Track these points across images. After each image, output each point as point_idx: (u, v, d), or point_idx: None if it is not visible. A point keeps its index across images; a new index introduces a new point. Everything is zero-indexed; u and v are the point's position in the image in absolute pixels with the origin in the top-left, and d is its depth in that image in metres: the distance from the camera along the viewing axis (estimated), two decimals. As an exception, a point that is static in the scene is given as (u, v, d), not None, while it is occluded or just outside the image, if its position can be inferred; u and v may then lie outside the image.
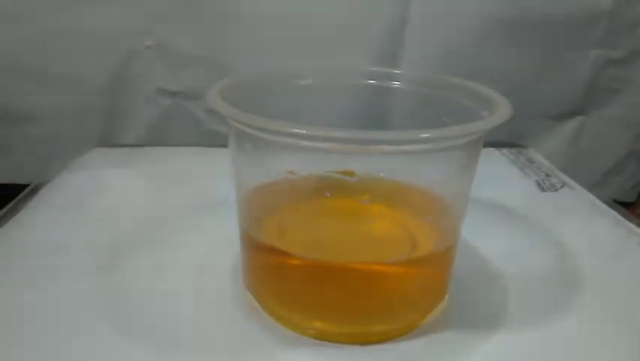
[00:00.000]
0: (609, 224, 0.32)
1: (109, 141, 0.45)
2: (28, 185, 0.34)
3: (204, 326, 0.22)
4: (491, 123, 0.19)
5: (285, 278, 0.22)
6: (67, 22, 0.41)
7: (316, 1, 0.42)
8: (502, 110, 0.20)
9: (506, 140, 0.45)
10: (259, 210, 0.24)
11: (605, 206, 0.34)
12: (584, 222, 0.32)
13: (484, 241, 0.28)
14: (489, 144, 0.41)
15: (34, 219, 0.30)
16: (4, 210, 0.31)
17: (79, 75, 0.43)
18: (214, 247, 0.27)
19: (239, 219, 0.23)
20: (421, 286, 0.23)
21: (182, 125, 0.46)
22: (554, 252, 0.28)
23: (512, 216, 0.32)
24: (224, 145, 0.22)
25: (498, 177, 0.38)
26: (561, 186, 0.37)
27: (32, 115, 0.44)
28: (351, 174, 0.21)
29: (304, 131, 0.17)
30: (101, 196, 0.34)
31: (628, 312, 0.24)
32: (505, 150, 0.43)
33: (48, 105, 0.43)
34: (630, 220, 0.32)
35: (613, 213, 0.33)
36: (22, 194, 0.33)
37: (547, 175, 0.39)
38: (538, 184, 0.37)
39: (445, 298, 0.24)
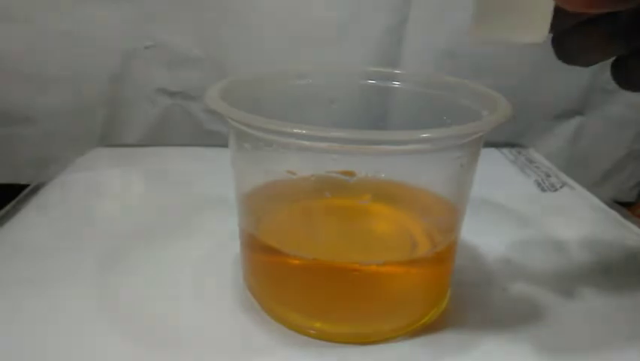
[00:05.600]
0: (609, 224, 0.32)
1: (109, 141, 0.45)
2: (28, 185, 0.34)
3: (204, 326, 0.22)
4: (491, 123, 0.19)
5: (285, 278, 0.22)
6: (67, 23, 0.41)
7: (316, 1, 0.42)
8: (502, 110, 0.20)
9: (506, 140, 0.45)
10: (259, 210, 0.24)
11: (605, 206, 0.34)
12: (584, 222, 0.32)
13: (484, 240, 0.28)
14: (489, 143, 0.41)
15: (34, 219, 0.30)
16: (5, 210, 0.31)
17: (79, 76, 0.43)
18: (214, 247, 0.27)
19: (239, 219, 0.23)
20: (421, 286, 0.23)
21: (182, 126, 0.46)
22: (554, 252, 0.28)
23: (512, 216, 0.32)
24: (224, 145, 0.22)
25: (498, 176, 0.38)
26: (561, 186, 0.37)
27: (32, 115, 0.44)
28: (351, 174, 0.21)
29: (304, 132, 0.17)
30: (101, 196, 0.34)
31: (628, 312, 0.24)
32: (505, 150, 0.43)
33: (48, 106, 0.44)
34: (630, 220, 0.32)
35: (613, 213, 0.33)
36: (22, 194, 0.33)
37: (547, 175, 0.39)
38: (538, 184, 0.37)
39: (445, 298, 0.24)
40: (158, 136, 0.46)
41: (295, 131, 0.17)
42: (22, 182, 0.35)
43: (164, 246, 0.28)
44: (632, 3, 0.14)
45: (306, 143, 0.18)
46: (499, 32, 0.16)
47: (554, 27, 0.16)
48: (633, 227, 0.31)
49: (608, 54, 0.19)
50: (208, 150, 0.40)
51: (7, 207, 0.31)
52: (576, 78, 0.45)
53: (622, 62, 0.19)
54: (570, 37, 0.18)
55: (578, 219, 0.32)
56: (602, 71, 0.45)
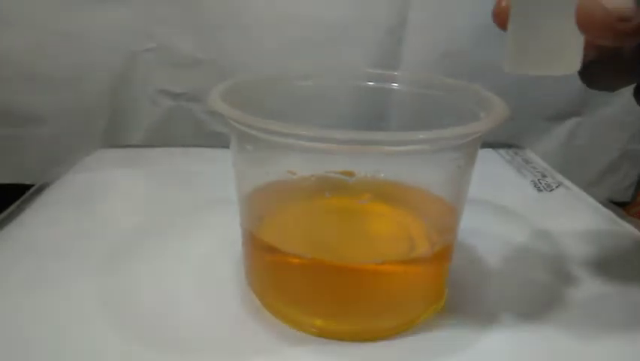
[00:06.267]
0: (605, 224, 0.32)
1: (111, 142, 0.45)
2: (31, 186, 0.34)
3: (207, 325, 0.22)
4: (489, 124, 0.19)
5: (286, 277, 0.23)
6: (69, 25, 0.41)
7: (316, 2, 0.42)
8: (499, 112, 0.20)
9: (503, 140, 0.45)
10: (260, 209, 0.24)
11: (600, 206, 0.34)
12: (580, 222, 0.32)
13: (481, 240, 0.29)
14: (486, 144, 0.41)
15: (38, 219, 0.31)
16: (8, 210, 0.31)
17: (81, 77, 0.43)
18: (216, 246, 0.28)
19: (240, 219, 0.23)
20: (419, 285, 0.23)
21: (184, 127, 0.46)
22: (550, 252, 0.29)
23: (509, 216, 0.32)
24: (226, 146, 0.22)
25: (495, 177, 0.38)
26: (557, 186, 0.37)
27: (35, 116, 0.44)
28: (350, 174, 0.21)
29: (304, 132, 0.17)
30: (104, 197, 0.34)
31: (624, 311, 0.24)
32: (501, 151, 0.43)
33: (51, 107, 0.44)
34: (625, 220, 0.32)
35: (608, 213, 0.33)
36: (26, 195, 0.33)
37: (544, 175, 0.39)
38: (535, 184, 0.37)
39: (443, 296, 0.24)
40: (161, 137, 0.46)
41: (296, 132, 0.17)
42: (26, 182, 0.35)
43: (166, 246, 0.28)
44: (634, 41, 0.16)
45: (307, 143, 0.18)
46: (535, 67, 0.17)
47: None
48: (628, 226, 0.31)
49: (627, 82, 0.20)
50: (210, 151, 0.41)
51: (12, 208, 0.31)
52: (572, 80, 0.45)
53: None
54: (592, 68, 0.19)
55: (574, 219, 0.32)
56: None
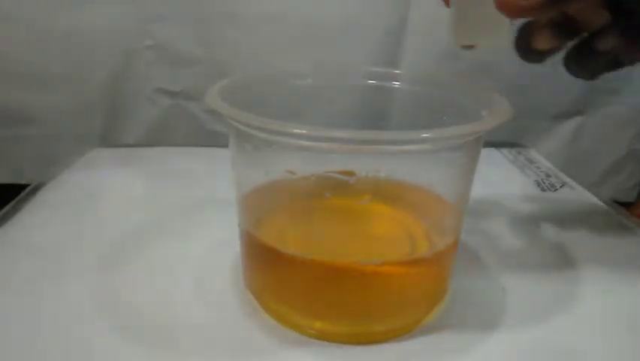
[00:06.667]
0: (608, 224, 0.32)
1: (109, 141, 0.45)
2: (28, 185, 0.34)
3: (204, 326, 0.22)
4: (491, 123, 0.19)
5: (284, 278, 0.22)
6: (67, 23, 0.41)
7: (316, 2, 0.42)
8: (502, 111, 0.20)
9: (506, 140, 0.45)
10: (259, 210, 0.24)
11: (604, 206, 0.34)
12: (584, 222, 0.32)
13: (483, 240, 0.28)
14: (489, 143, 0.41)
15: (35, 219, 0.30)
16: (5, 210, 0.31)
17: (79, 75, 0.43)
18: (214, 246, 0.27)
19: (239, 219, 0.23)
20: (420, 286, 0.23)
21: (182, 126, 0.46)
22: (553, 252, 0.28)
23: (512, 216, 0.32)
24: (224, 145, 0.22)
25: (498, 177, 0.38)
26: (561, 186, 0.37)
27: (32, 115, 0.44)
28: (351, 173, 0.21)
29: (304, 132, 0.17)
30: (101, 196, 0.34)
31: (627, 312, 0.24)
32: (504, 150, 0.43)
33: (48, 106, 0.44)
34: (629, 220, 0.32)
35: (612, 213, 0.33)
36: (22, 194, 0.33)
37: (547, 175, 0.39)
38: (538, 184, 0.37)
39: (445, 297, 0.24)
40: (158, 136, 0.46)
41: (295, 131, 0.17)
42: (23, 182, 0.35)
43: (164, 246, 0.28)
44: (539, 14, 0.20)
45: (306, 143, 0.18)
46: (470, 39, 0.22)
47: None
48: (632, 227, 0.31)
49: (547, 54, 0.23)
50: (208, 150, 0.40)
51: (7, 207, 0.31)
52: (576, 78, 0.45)
53: (567, 59, 0.24)
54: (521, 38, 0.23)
55: (578, 219, 0.32)
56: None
